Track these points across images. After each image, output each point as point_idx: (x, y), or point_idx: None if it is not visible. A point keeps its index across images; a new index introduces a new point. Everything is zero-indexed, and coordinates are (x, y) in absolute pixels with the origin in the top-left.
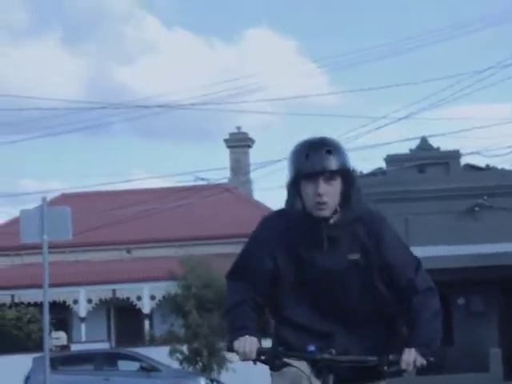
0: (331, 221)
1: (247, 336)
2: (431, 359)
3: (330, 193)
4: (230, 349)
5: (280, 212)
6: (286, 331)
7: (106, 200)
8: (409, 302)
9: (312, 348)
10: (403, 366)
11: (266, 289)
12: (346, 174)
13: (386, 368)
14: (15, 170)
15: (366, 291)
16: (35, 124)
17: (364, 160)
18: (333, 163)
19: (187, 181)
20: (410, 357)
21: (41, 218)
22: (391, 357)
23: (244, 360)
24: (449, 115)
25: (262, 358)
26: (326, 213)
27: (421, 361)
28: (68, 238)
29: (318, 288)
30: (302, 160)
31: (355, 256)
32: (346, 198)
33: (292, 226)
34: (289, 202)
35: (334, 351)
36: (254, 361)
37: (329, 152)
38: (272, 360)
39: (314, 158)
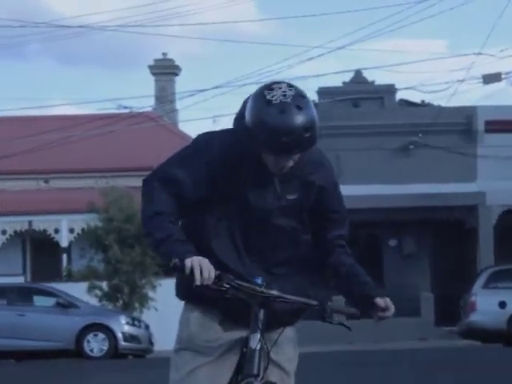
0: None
1: (201, 257)
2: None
3: (292, 161)
4: (177, 268)
5: (228, 138)
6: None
7: (23, 126)
8: (338, 255)
9: (259, 281)
10: (389, 314)
11: (188, 213)
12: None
13: (326, 315)
14: None
15: (296, 234)
16: None
17: None
18: (311, 142)
19: (109, 108)
20: (386, 300)
21: None
22: (331, 304)
23: (196, 285)
24: (384, 48)
25: (219, 284)
26: (284, 172)
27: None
28: None
29: (249, 225)
30: (281, 138)
31: (294, 196)
32: (303, 155)
33: (240, 163)
34: (243, 141)
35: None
36: (207, 287)
37: (307, 130)
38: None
39: (292, 140)
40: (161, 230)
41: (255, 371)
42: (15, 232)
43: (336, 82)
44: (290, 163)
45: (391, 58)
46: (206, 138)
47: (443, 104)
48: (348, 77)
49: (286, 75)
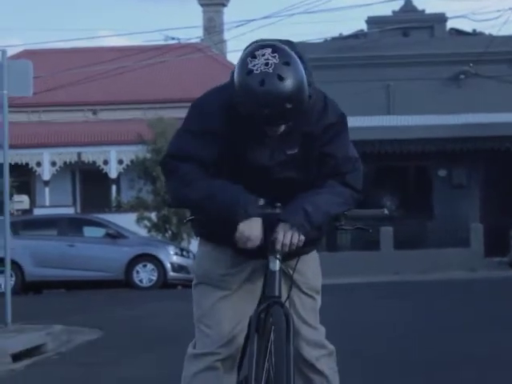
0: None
1: (253, 218)
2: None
3: (283, 127)
4: (234, 229)
5: (223, 96)
6: None
7: (71, 58)
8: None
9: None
10: (277, 246)
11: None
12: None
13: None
14: None
15: (300, 178)
16: None
17: (344, 22)
18: (295, 111)
19: (157, 40)
20: (286, 235)
21: (0, 71)
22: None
23: (244, 246)
24: None
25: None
26: (277, 133)
27: (297, 237)
28: (29, 94)
29: (253, 178)
30: (261, 110)
31: (294, 150)
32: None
33: (238, 120)
34: (237, 101)
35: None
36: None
37: (290, 100)
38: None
39: (274, 112)
40: (208, 185)
41: (276, 292)
42: (65, 163)
43: (386, 11)
44: (282, 128)
45: None
46: (203, 102)
47: (494, 33)
48: (398, 5)
49: (335, 4)
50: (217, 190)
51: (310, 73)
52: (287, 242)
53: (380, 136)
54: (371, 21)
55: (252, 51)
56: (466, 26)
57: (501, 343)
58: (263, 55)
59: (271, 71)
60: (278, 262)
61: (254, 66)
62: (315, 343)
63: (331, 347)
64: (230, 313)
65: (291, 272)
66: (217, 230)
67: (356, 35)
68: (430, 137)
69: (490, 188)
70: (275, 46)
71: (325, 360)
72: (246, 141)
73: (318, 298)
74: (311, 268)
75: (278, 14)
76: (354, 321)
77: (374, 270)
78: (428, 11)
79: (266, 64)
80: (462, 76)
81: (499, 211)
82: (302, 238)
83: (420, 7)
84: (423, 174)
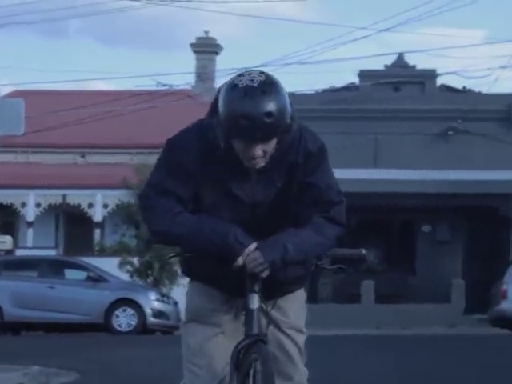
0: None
1: (247, 249)
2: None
3: (265, 150)
4: (236, 266)
5: (200, 134)
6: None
7: (62, 100)
8: (311, 216)
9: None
10: (239, 261)
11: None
12: (286, 128)
13: (319, 263)
14: None
15: (286, 212)
16: None
17: (337, 73)
18: (273, 128)
19: (149, 85)
20: (253, 254)
21: None
22: None
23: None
24: (427, 32)
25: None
26: (258, 166)
27: (260, 265)
28: (19, 132)
29: (241, 215)
30: (239, 120)
31: (281, 181)
32: (281, 142)
33: (217, 158)
34: (215, 136)
35: None
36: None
37: (269, 115)
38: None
39: (252, 123)
40: (191, 220)
41: (254, 331)
42: (49, 205)
43: (378, 65)
44: (259, 153)
45: (433, 44)
46: (176, 140)
47: (484, 91)
48: (390, 60)
49: (328, 56)
50: (202, 224)
51: (292, 106)
52: (249, 265)
53: (366, 189)
54: (363, 74)
55: (240, 73)
56: (457, 82)
57: None
58: (250, 74)
59: (256, 85)
60: (256, 298)
61: (240, 81)
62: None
63: None
64: (221, 352)
65: (269, 308)
66: (203, 267)
67: (348, 88)
68: (415, 191)
69: (473, 245)
70: (262, 71)
71: None
72: (230, 179)
73: (302, 336)
74: (294, 307)
75: (271, 63)
76: (335, 372)
77: (354, 323)
78: (419, 67)
79: (252, 80)
80: (451, 132)
81: (481, 268)
82: (266, 273)
83: (411, 63)
84: (407, 228)
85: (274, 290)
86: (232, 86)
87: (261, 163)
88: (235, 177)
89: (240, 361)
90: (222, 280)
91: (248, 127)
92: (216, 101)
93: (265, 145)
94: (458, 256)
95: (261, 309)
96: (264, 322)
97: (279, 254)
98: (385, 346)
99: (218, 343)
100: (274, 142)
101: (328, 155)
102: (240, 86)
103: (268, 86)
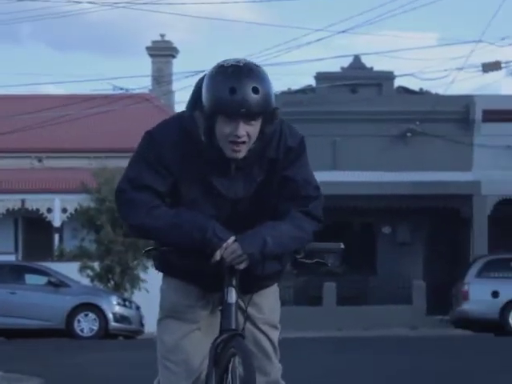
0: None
1: (225, 243)
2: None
3: (249, 133)
4: (214, 260)
5: (180, 127)
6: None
7: (17, 104)
8: (289, 210)
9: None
10: (216, 256)
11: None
12: (269, 113)
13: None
14: None
15: (265, 207)
16: None
17: (293, 76)
18: (259, 104)
19: (105, 89)
20: (232, 247)
21: None
22: None
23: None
24: (383, 34)
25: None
26: (240, 154)
27: (239, 257)
28: None
29: (221, 210)
30: (225, 94)
31: (261, 177)
32: (263, 132)
33: (197, 153)
34: (196, 128)
35: None
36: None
37: (255, 90)
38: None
39: (238, 96)
40: (169, 213)
41: (232, 325)
42: (7, 210)
43: (334, 67)
44: (242, 133)
45: (389, 45)
46: (155, 132)
47: (441, 92)
48: (346, 62)
49: (284, 59)
50: (180, 218)
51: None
52: (228, 258)
53: (326, 191)
54: (320, 76)
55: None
56: (414, 84)
57: None
58: (236, 59)
59: (241, 65)
60: (234, 293)
61: (226, 63)
62: (270, 380)
63: None
64: (197, 348)
65: (246, 304)
66: (180, 261)
67: (304, 90)
68: (375, 193)
69: (433, 246)
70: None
71: None
72: (210, 174)
73: (276, 332)
74: (269, 302)
75: None
76: (296, 373)
77: (316, 326)
78: (376, 69)
79: (237, 61)
80: (409, 134)
81: (442, 269)
82: (244, 265)
83: (368, 64)
84: (368, 230)
85: (250, 284)
86: (218, 67)
87: (243, 151)
88: (216, 172)
89: (218, 356)
90: (198, 274)
91: (234, 101)
92: (197, 91)
93: (249, 126)
94: (418, 257)
95: (237, 305)
96: (241, 318)
97: (258, 247)
98: (347, 347)
99: (195, 339)
100: (257, 127)
101: (306, 150)
102: (226, 65)
103: (254, 67)
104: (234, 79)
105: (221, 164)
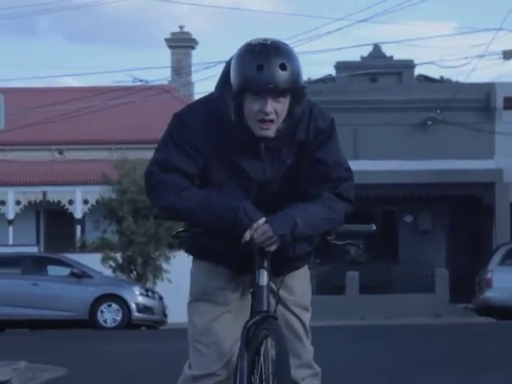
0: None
1: (255, 223)
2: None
3: (277, 110)
4: (244, 240)
5: (209, 108)
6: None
7: (38, 97)
8: (320, 192)
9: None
10: (246, 237)
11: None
12: (298, 91)
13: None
14: None
15: (295, 190)
16: None
17: (313, 65)
18: (287, 80)
19: (125, 81)
20: (262, 228)
21: None
22: None
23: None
24: (404, 22)
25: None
26: (269, 133)
27: (270, 239)
28: (0, 127)
29: (250, 192)
30: (253, 71)
31: (291, 159)
32: (292, 113)
33: (227, 133)
34: (226, 108)
35: None
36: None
37: (283, 67)
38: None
39: (266, 73)
40: (199, 194)
41: (264, 307)
42: (29, 203)
43: (354, 56)
44: (271, 110)
45: (409, 34)
46: (184, 114)
47: (462, 80)
48: (366, 51)
49: (304, 48)
50: (210, 199)
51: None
52: (258, 239)
53: None
54: (340, 66)
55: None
56: (434, 72)
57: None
58: (263, 38)
59: (269, 43)
60: (265, 275)
61: (254, 41)
62: (302, 363)
63: (318, 368)
64: (228, 331)
65: (278, 286)
66: (210, 243)
67: (324, 80)
68: (396, 182)
69: (455, 234)
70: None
71: (310, 381)
72: (239, 156)
73: (307, 314)
74: (300, 284)
75: None
76: (320, 363)
77: (339, 315)
78: (396, 57)
79: (265, 40)
80: (430, 122)
81: (465, 257)
82: (274, 247)
83: (388, 53)
84: (389, 219)
85: (281, 266)
86: (245, 46)
87: (272, 130)
88: (245, 153)
89: (250, 338)
90: (228, 256)
91: (261, 77)
92: (226, 72)
93: (277, 103)
94: (441, 246)
95: (269, 287)
96: (273, 301)
97: (289, 228)
98: (370, 336)
99: (225, 322)
100: (286, 105)
101: (337, 131)
102: (253, 44)
103: (281, 45)
104: (262, 57)
105: (250, 145)
